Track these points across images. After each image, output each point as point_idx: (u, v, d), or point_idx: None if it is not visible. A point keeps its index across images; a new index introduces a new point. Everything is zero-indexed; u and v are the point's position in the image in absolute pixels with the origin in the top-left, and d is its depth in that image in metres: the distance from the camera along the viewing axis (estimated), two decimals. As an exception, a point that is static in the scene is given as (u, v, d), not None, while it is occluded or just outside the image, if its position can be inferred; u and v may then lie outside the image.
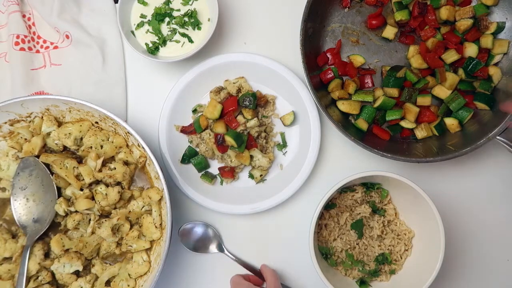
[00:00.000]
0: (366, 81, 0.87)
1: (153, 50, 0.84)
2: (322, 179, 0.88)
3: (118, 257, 0.81)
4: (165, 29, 0.85)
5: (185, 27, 0.85)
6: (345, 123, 0.84)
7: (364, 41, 0.89)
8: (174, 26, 0.85)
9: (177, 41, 0.85)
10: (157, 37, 0.85)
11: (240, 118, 0.84)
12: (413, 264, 0.81)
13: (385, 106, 0.83)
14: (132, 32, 0.85)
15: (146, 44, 0.85)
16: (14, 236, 0.79)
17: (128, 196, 0.80)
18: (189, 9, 0.84)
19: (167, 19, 0.85)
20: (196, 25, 0.84)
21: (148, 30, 0.85)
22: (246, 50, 0.90)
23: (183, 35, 0.85)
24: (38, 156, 0.78)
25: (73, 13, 0.89)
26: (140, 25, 0.85)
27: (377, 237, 0.82)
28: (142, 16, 0.85)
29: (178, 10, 0.85)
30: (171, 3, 0.85)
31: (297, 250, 0.86)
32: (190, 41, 0.85)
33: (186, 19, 0.84)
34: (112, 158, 0.81)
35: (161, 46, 0.85)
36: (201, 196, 0.84)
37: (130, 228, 0.79)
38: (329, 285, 0.73)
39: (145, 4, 0.85)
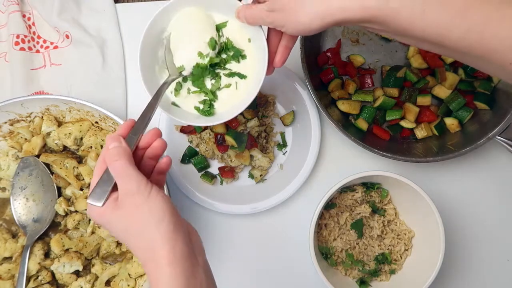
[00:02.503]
0: (366, 81, 0.87)
1: (207, 110, 0.64)
2: (322, 179, 0.88)
3: (118, 257, 0.81)
4: (207, 80, 0.65)
5: (226, 66, 0.64)
6: (345, 123, 0.84)
7: (364, 41, 0.89)
8: (217, 71, 0.65)
9: (228, 86, 0.65)
10: (204, 94, 0.65)
11: (240, 118, 0.84)
12: (413, 264, 0.81)
13: (385, 106, 0.83)
14: (173, 103, 0.65)
15: (197, 108, 0.65)
16: (14, 236, 0.79)
17: (128, 196, 0.80)
18: (221, 42, 0.63)
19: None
20: (239, 55, 0.64)
21: (189, 89, 0.64)
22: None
23: (230, 75, 0.64)
24: (38, 156, 0.79)
25: (73, 13, 0.89)
26: (178, 88, 0.64)
27: (377, 237, 0.82)
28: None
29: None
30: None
31: (297, 250, 0.86)
32: (242, 77, 0.64)
33: (224, 56, 0.64)
34: (112, 158, 0.81)
35: (214, 101, 0.65)
36: (201, 196, 0.84)
37: (130, 228, 0.79)
38: (329, 285, 0.73)
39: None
